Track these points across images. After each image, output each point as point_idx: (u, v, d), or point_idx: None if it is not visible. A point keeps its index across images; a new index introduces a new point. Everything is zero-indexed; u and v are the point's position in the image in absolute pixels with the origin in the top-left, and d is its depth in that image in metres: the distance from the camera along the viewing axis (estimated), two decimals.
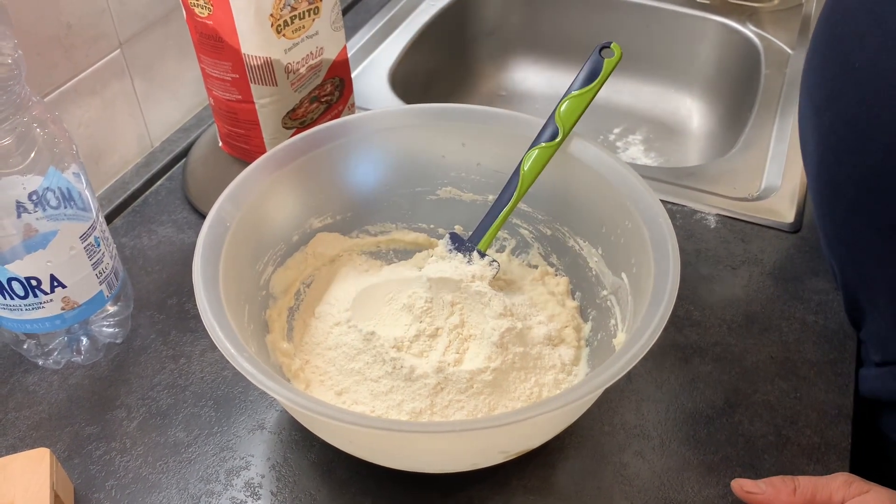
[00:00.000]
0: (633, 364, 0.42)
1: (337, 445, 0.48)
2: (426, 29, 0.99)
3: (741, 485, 0.49)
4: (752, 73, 0.94)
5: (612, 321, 0.54)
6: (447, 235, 0.59)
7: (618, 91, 1.07)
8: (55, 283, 0.53)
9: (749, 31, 0.97)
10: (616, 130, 1.04)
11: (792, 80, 0.88)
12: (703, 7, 1.01)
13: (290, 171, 0.57)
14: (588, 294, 0.58)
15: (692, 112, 1.04)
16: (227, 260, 0.49)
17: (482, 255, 0.57)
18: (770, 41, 0.95)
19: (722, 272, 0.66)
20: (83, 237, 0.54)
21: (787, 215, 0.71)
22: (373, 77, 0.90)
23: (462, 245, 0.58)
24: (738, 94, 0.98)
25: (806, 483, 0.47)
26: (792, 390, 0.57)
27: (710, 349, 0.60)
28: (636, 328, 0.45)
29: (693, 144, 1.03)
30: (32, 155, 0.51)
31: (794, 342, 0.61)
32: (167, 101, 0.78)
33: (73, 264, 0.54)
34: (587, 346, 0.56)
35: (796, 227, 0.70)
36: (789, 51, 0.93)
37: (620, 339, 0.51)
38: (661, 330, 0.43)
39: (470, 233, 0.58)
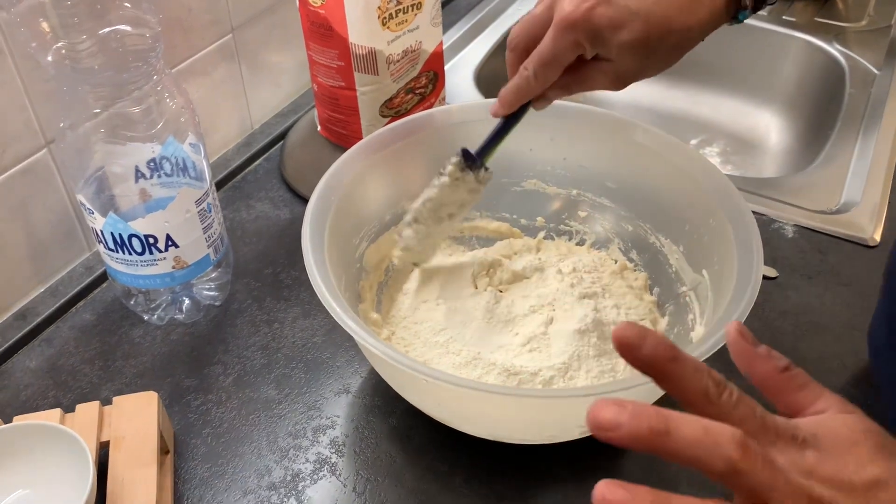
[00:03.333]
0: (713, 351, 0.44)
1: (422, 408, 0.51)
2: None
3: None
4: (835, 92, 0.94)
5: (691, 316, 0.56)
6: (460, 151, 0.56)
7: (697, 103, 1.08)
8: (170, 243, 0.58)
9: (835, 49, 0.97)
10: (693, 142, 1.05)
11: (877, 99, 0.89)
12: (789, 24, 1.02)
13: (386, 155, 0.60)
14: (666, 289, 0.60)
15: (770, 128, 1.05)
16: (330, 231, 0.52)
17: (486, 168, 0.56)
18: (856, 61, 0.95)
19: (798, 281, 0.67)
20: (198, 202, 0.58)
21: (867, 230, 0.71)
22: (459, 75, 0.93)
23: (473, 161, 0.56)
24: (818, 112, 0.98)
25: None
26: (863, 397, 0.58)
27: (782, 353, 0.61)
28: (717, 319, 0.47)
29: (770, 160, 1.03)
30: (160, 125, 0.55)
31: (866, 352, 0.61)
32: (268, 87, 0.83)
33: (187, 226, 0.58)
34: None
35: (875, 242, 0.70)
36: (875, 71, 0.93)
37: (698, 332, 0.53)
38: (744, 320, 0.45)
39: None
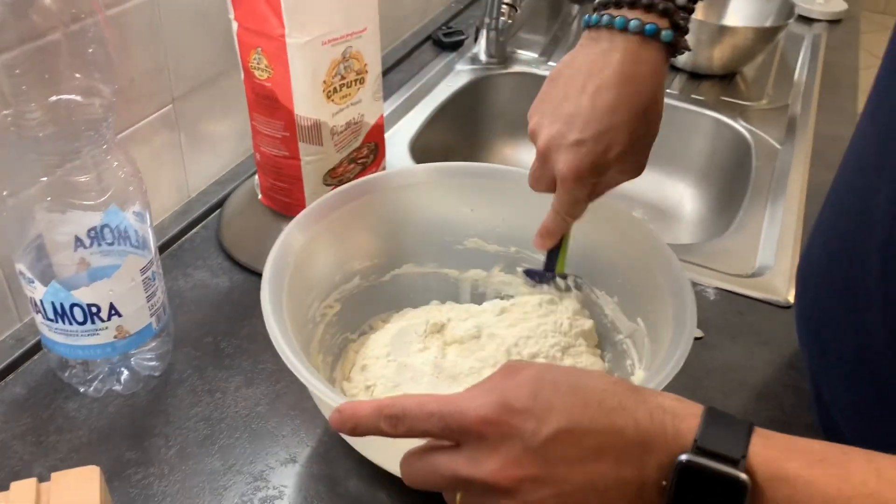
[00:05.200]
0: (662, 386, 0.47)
1: (387, 465, 0.52)
2: (443, 107, 1.06)
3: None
4: (743, 165, 1.01)
5: (629, 361, 0.59)
6: (523, 273, 0.64)
7: None
8: (113, 312, 0.57)
9: (741, 126, 1.06)
10: None
11: (781, 171, 0.96)
12: (698, 103, 1.09)
13: (335, 218, 0.62)
14: (603, 338, 0.63)
15: (685, 197, 1.12)
16: (287, 294, 0.53)
17: (564, 276, 0.62)
18: (760, 136, 1.03)
19: (722, 341, 0.71)
20: (143, 270, 0.58)
21: (781, 292, 0.76)
22: (395, 147, 0.95)
23: (542, 276, 0.62)
24: (728, 183, 1.05)
25: None
26: None
27: None
28: (658, 364, 0.50)
29: (685, 228, 1.09)
30: (107, 194, 0.55)
31: (790, 406, 0.65)
32: (207, 155, 0.83)
33: (131, 295, 0.57)
34: None
35: (789, 303, 0.76)
36: (777, 146, 1.01)
37: (639, 376, 0.56)
38: (683, 362, 0.49)
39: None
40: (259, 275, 0.72)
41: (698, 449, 0.35)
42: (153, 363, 0.63)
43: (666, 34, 0.52)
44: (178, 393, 0.62)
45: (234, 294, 0.72)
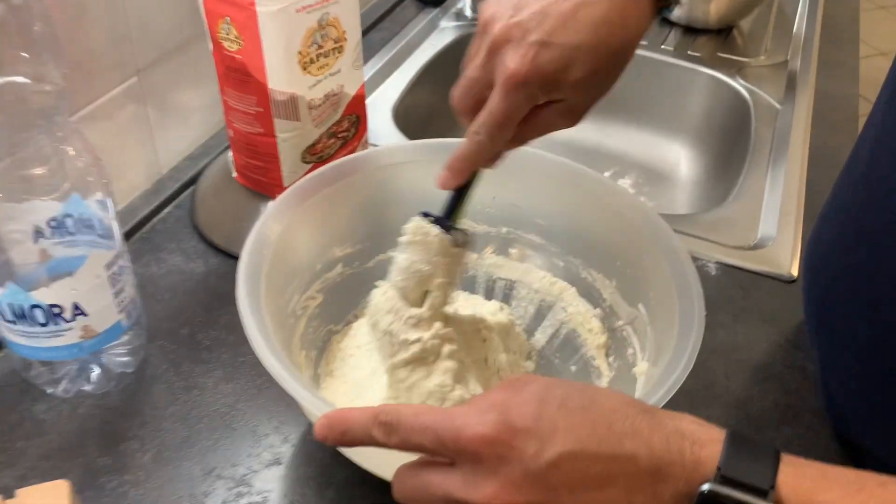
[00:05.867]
0: (677, 388, 0.45)
1: (371, 468, 0.49)
2: (427, 68, 1.01)
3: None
4: (742, 126, 0.97)
5: (631, 350, 0.56)
6: (420, 214, 0.54)
7: (609, 135, 1.10)
8: (77, 312, 0.53)
9: (738, 84, 1.01)
10: (607, 174, 1.07)
11: (782, 133, 0.92)
12: (694, 59, 1.05)
13: (315, 202, 0.57)
14: (603, 323, 0.60)
15: (681, 160, 1.08)
16: (265, 287, 0.50)
17: (457, 229, 0.54)
18: (759, 95, 0.99)
19: (724, 318, 0.68)
20: (108, 265, 0.54)
21: (784, 265, 0.73)
22: (377, 113, 0.91)
23: (437, 220, 0.53)
24: (726, 145, 1.01)
25: None
26: (797, 437, 0.59)
27: (715, 395, 0.62)
28: (669, 359, 0.47)
29: (681, 191, 1.06)
30: (65, 184, 0.50)
31: (795, 390, 0.63)
32: (177, 129, 0.78)
33: (97, 293, 0.53)
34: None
35: (793, 276, 0.72)
36: (777, 106, 0.97)
37: (642, 367, 0.53)
38: (695, 357, 0.46)
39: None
40: (236, 258, 0.69)
41: (722, 478, 0.32)
42: (125, 359, 0.59)
43: None
44: (153, 391, 0.59)
45: (211, 280, 0.68)
